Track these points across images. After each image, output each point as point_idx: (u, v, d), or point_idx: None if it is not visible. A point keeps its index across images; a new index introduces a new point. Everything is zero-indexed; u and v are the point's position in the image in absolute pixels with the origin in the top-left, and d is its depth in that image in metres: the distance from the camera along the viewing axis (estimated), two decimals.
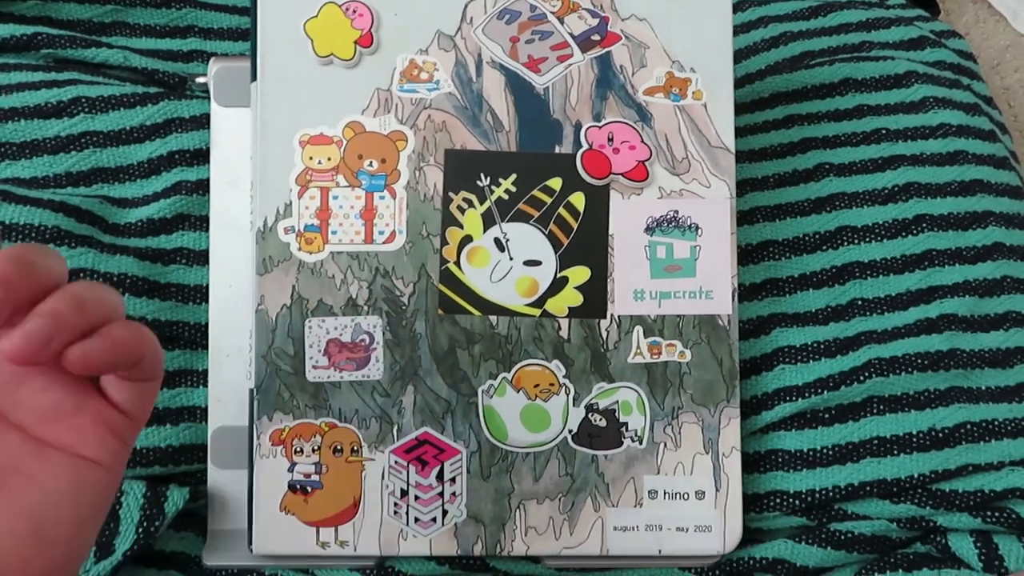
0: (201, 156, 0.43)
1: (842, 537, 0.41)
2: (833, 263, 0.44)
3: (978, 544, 0.41)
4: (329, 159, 0.39)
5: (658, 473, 0.39)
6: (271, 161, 0.39)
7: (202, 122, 0.44)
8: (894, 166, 0.46)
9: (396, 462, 0.38)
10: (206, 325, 0.41)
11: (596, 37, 0.39)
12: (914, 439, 0.41)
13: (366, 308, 0.38)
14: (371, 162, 0.39)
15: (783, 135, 0.47)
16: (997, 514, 0.41)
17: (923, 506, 0.41)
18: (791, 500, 0.41)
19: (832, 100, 0.48)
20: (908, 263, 0.44)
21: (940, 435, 0.41)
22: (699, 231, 0.39)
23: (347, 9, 0.39)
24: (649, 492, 0.39)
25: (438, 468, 0.38)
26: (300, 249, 0.38)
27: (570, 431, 0.39)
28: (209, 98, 0.43)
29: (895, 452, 0.41)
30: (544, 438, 0.39)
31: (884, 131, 0.47)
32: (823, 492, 0.41)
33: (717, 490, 0.39)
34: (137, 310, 0.40)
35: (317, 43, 0.39)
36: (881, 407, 0.42)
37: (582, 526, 0.38)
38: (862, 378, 0.42)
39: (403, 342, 0.38)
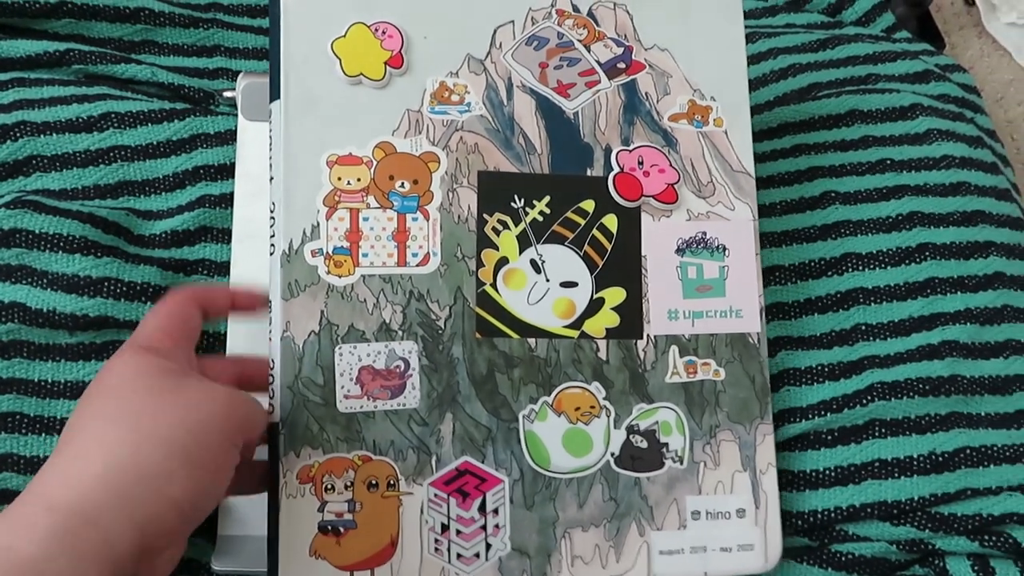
0: (225, 171, 0.44)
1: (843, 558, 0.42)
2: (838, 288, 0.45)
3: (975, 568, 0.41)
4: (359, 180, 0.37)
5: (699, 493, 0.38)
6: (297, 182, 0.37)
7: (226, 138, 0.45)
8: (898, 195, 0.47)
9: (436, 495, 0.36)
10: (224, 333, 0.42)
11: (621, 65, 0.40)
12: (914, 462, 0.42)
13: (400, 333, 0.37)
14: (403, 183, 0.38)
15: (791, 163, 0.48)
16: (995, 538, 0.41)
17: (922, 528, 0.41)
18: (793, 520, 0.42)
19: (839, 131, 0.49)
20: (911, 290, 0.45)
21: (940, 459, 0.42)
22: (726, 252, 0.40)
23: (376, 29, 0.38)
24: (692, 513, 0.38)
25: (480, 499, 0.36)
26: (329, 272, 0.37)
27: (612, 454, 0.38)
28: (235, 113, 0.45)
29: (896, 475, 0.42)
30: (587, 462, 0.38)
31: (889, 161, 0.48)
32: (825, 513, 0.42)
33: (757, 507, 0.39)
34: None
35: (346, 63, 0.38)
36: (883, 430, 0.43)
37: (628, 552, 0.37)
38: (864, 401, 0.43)
39: (440, 367, 0.37)
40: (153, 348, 0.32)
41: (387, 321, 0.37)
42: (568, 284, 0.39)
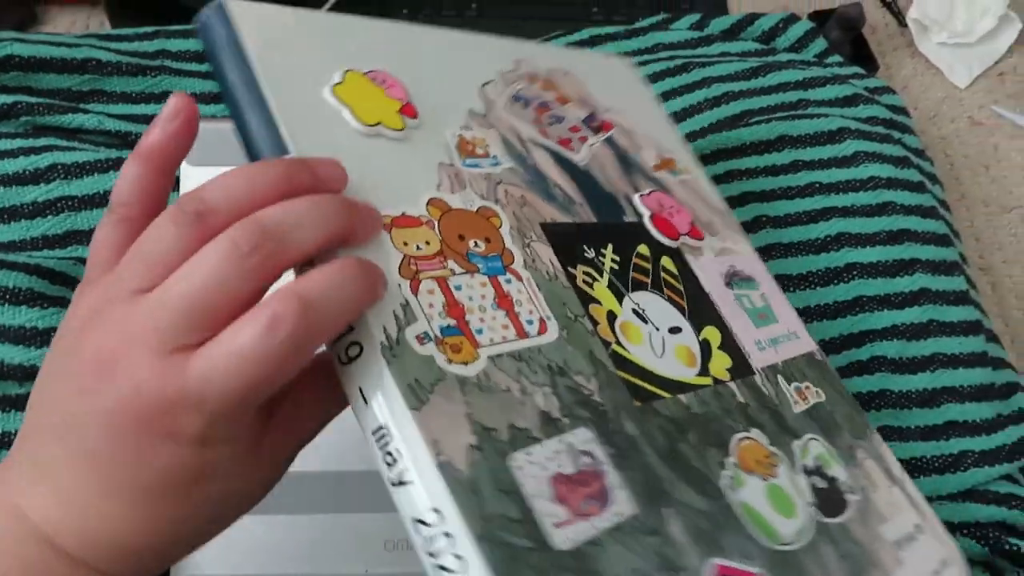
0: None
1: None
2: None
3: None
4: (427, 243, 0.27)
5: (886, 521, 0.33)
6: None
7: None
8: (827, 218, 0.48)
9: None
10: None
11: (595, 123, 0.38)
12: None
13: (566, 421, 0.26)
14: (476, 243, 0.28)
15: (724, 189, 0.47)
16: None
17: None
18: None
19: (769, 156, 0.50)
20: (840, 309, 0.46)
21: None
22: (756, 281, 0.38)
23: (374, 78, 0.30)
24: (894, 543, 0.32)
25: None
26: (451, 362, 0.24)
27: (812, 504, 0.31)
28: None
29: None
30: (801, 522, 0.30)
31: (818, 185, 0.49)
32: None
33: (923, 518, 0.35)
34: None
35: (358, 110, 0.28)
36: None
37: None
38: None
39: (626, 453, 0.26)
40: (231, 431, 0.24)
41: (544, 409, 0.25)
42: (674, 330, 0.32)
